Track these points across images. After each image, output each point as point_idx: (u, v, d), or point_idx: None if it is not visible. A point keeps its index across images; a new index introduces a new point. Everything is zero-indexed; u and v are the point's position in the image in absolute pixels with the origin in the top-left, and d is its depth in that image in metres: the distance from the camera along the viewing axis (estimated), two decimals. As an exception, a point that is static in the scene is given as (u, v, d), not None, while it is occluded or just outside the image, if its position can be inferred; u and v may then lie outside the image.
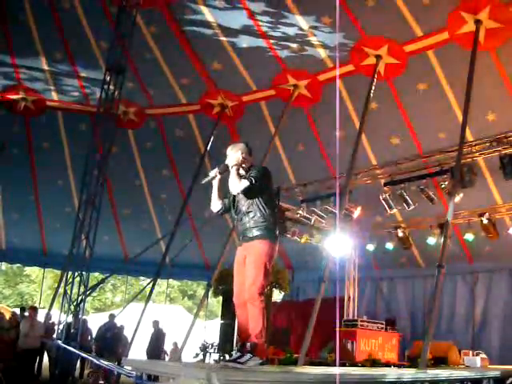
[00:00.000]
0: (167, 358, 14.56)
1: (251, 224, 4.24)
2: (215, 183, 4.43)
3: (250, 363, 3.90)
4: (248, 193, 4.27)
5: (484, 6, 9.61)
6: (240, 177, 4.28)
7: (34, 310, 11.10)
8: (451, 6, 9.94)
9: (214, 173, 4.40)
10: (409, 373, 5.79)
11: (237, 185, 4.24)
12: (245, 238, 4.28)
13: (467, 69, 9.39)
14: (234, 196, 4.40)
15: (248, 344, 4.03)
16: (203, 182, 4.47)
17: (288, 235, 13.33)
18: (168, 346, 14.79)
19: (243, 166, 4.42)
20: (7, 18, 13.02)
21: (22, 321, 10.82)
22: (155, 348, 12.80)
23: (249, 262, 4.16)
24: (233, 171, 4.30)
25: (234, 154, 4.42)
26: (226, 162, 4.41)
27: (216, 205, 4.50)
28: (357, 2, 10.70)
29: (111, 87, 11.55)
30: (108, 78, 11.63)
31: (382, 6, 10.53)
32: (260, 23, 11.74)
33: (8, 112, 14.54)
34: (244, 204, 4.32)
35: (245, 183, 4.22)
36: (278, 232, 4.35)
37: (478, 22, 9.80)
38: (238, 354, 4.07)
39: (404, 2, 10.33)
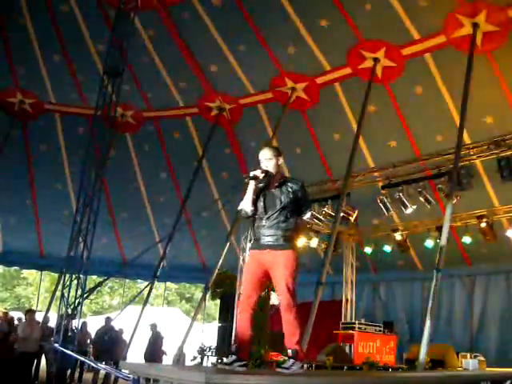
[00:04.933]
0: (165, 361, 14.49)
1: (282, 233, 4.31)
2: (252, 185, 4.41)
3: (293, 368, 4.10)
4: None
5: (481, 10, 9.67)
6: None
7: (33, 313, 11.05)
8: (448, 9, 9.99)
9: (258, 173, 4.37)
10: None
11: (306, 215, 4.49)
12: (270, 244, 4.32)
13: (464, 72, 9.42)
14: (265, 200, 4.43)
15: (290, 351, 4.24)
16: (246, 180, 4.43)
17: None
18: (167, 349, 14.72)
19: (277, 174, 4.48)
20: (5, 21, 13.02)
21: (22, 324, 10.77)
22: (153, 351, 12.73)
23: (283, 271, 4.25)
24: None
25: (272, 161, 4.44)
26: (265, 168, 4.41)
27: (249, 207, 4.46)
28: (354, 4, 10.74)
29: (109, 90, 11.52)
30: (106, 81, 11.60)
31: (379, 9, 10.56)
32: (257, 26, 11.78)
33: (5, 114, 14.52)
34: (278, 212, 4.36)
35: (308, 213, 4.48)
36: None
37: (475, 25, 9.86)
38: (234, 357, 4.15)
39: (401, 5, 10.36)
